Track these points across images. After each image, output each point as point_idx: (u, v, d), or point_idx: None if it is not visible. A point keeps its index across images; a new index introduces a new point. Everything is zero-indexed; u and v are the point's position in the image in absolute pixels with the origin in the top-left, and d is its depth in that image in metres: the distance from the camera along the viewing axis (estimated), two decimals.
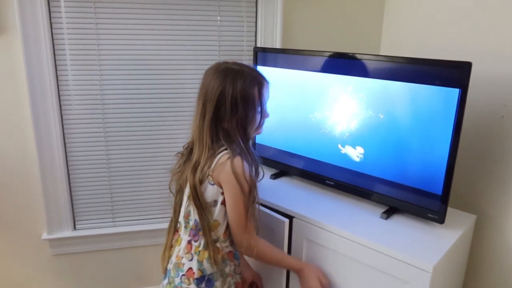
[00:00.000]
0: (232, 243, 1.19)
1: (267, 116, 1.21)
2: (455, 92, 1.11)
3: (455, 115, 1.12)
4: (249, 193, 1.11)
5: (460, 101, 1.10)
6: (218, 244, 1.16)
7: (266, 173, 1.62)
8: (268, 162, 1.65)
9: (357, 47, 1.87)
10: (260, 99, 1.15)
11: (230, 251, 1.20)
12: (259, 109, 1.16)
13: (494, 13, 1.35)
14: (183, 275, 1.15)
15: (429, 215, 1.22)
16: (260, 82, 1.16)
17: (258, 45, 1.80)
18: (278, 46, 1.79)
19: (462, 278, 1.44)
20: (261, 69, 1.58)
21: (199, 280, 1.14)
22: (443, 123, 1.14)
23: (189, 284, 1.14)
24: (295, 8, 1.80)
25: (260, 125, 1.20)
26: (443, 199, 1.19)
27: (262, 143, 1.65)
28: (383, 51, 1.89)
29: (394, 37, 1.82)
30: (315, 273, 1.21)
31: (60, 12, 1.62)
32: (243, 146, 1.14)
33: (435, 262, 1.05)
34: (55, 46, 1.65)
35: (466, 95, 1.09)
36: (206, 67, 1.18)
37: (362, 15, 1.87)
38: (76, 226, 1.86)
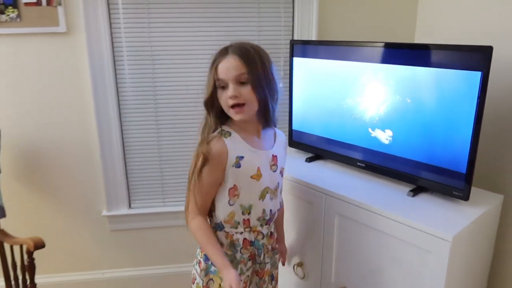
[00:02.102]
0: (246, 229, 1.23)
1: (229, 96, 1.11)
2: (477, 75, 1.18)
3: (478, 97, 1.19)
4: (194, 169, 1.15)
5: (482, 84, 1.18)
6: (226, 229, 1.22)
7: (301, 157, 1.76)
8: (303, 146, 1.77)
9: (391, 36, 1.94)
10: (215, 77, 1.13)
11: (245, 239, 1.24)
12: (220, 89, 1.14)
13: None
14: (199, 247, 1.27)
15: (454, 192, 1.30)
16: (214, 60, 1.14)
17: (295, 38, 1.93)
18: (314, 39, 1.91)
19: (490, 258, 1.49)
20: (297, 60, 1.71)
21: (206, 256, 1.23)
22: (466, 105, 1.22)
23: (201, 257, 1.26)
24: (330, 2, 1.90)
25: (224, 105, 1.14)
26: (467, 177, 1.26)
27: (298, 129, 1.78)
28: (417, 39, 1.96)
29: (429, 25, 1.88)
30: (229, 279, 1.09)
31: (118, 14, 1.83)
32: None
33: (455, 233, 1.14)
34: (114, 44, 1.86)
35: (488, 77, 1.16)
36: None
37: (395, 5, 1.94)
38: (131, 205, 2.08)
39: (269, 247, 1.32)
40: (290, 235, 1.61)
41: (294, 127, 1.80)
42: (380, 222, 1.30)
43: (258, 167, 1.19)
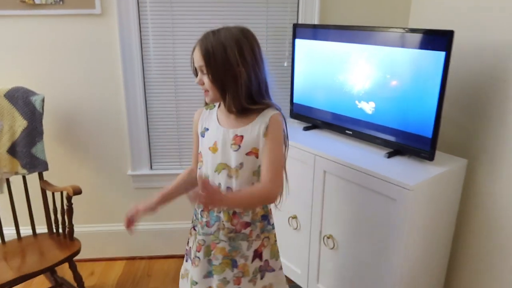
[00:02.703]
0: None
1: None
2: (441, 54, 1.42)
3: (442, 73, 1.43)
4: None
5: (445, 62, 1.41)
6: None
7: (300, 126, 2.02)
8: (302, 117, 2.03)
9: (387, 21, 2.16)
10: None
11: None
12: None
13: None
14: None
15: (422, 154, 1.55)
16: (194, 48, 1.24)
17: (299, 22, 2.17)
18: (316, 23, 2.15)
19: (455, 217, 1.72)
20: (299, 42, 1.96)
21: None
22: (433, 80, 1.46)
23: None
24: None
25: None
26: (433, 141, 1.51)
27: (298, 102, 2.04)
28: (411, 24, 2.17)
29: (422, 11, 2.09)
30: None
31: (145, 2, 2.11)
32: None
33: (416, 183, 1.39)
34: (141, 25, 2.14)
35: (449, 57, 1.40)
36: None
37: None
38: (152, 166, 2.39)
39: (225, 224, 1.30)
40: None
41: (295, 100, 2.06)
42: (359, 177, 1.56)
43: (215, 141, 1.28)
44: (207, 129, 1.33)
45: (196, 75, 1.25)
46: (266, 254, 1.37)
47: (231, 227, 1.31)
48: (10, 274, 1.73)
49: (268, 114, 1.24)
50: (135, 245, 2.52)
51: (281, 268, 1.43)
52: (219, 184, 1.29)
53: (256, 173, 1.27)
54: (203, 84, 1.24)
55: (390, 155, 1.64)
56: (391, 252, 1.50)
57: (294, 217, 1.91)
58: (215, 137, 1.29)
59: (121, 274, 2.40)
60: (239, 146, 1.25)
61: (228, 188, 1.28)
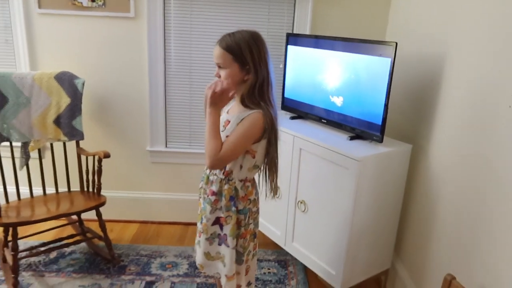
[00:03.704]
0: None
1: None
2: (388, 60, 1.86)
3: (389, 74, 1.87)
4: None
5: (392, 66, 1.86)
6: None
7: (286, 115, 2.48)
8: (289, 108, 2.50)
9: (367, 34, 2.59)
10: None
11: None
12: None
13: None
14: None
15: (374, 138, 2.00)
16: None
17: (294, 32, 2.64)
18: (308, 33, 2.62)
19: (402, 194, 2.14)
20: (290, 48, 2.43)
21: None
22: (382, 80, 1.90)
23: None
24: (321, 6, 2.60)
25: None
26: (382, 127, 1.95)
27: (287, 97, 2.50)
28: (387, 37, 2.61)
29: (396, 26, 2.53)
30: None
31: (170, 5, 2.62)
32: None
33: (363, 156, 1.84)
34: (165, 27, 2.65)
35: (394, 62, 1.85)
36: None
37: (370, 9, 2.61)
38: (167, 145, 2.88)
39: (208, 191, 1.60)
40: None
41: (286, 95, 2.53)
42: (325, 153, 2.01)
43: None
44: (222, 113, 1.58)
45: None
46: (226, 229, 1.60)
47: (207, 191, 1.61)
48: (50, 212, 2.23)
49: (252, 111, 1.47)
50: (147, 211, 3.01)
51: (234, 249, 1.61)
52: None
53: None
54: (219, 76, 1.50)
55: (352, 138, 2.09)
56: (344, 211, 1.94)
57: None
58: (221, 119, 1.56)
59: (134, 233, 2.89)
60: (224, 128, 1.53)
61: None
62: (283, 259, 2.62)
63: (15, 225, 2.11)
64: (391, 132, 2.26)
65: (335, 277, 2.05)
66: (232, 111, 1.59)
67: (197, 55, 2.71)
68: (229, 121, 1.54)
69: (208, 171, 1.63)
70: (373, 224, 2.05)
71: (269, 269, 2.51)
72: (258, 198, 1.69)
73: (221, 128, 1.54)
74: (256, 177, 1.68)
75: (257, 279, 2.40)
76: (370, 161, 1.89)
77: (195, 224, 2.89)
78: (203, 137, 1.50)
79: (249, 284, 1.76)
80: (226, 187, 1.57)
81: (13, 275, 2.13)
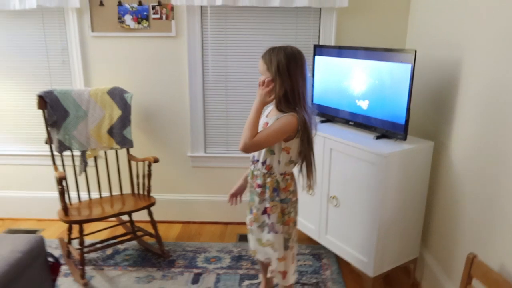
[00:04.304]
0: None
1: None
2: (409, 66, 2.08)
3: (410, 79, 2.09)
4: None
5: (412, 71, 2.07)
6: None
7: (317, 118, 2.71)
8: (318, 113, 2.72)
9: (387, 43, 2.81)
10: None
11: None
12: None
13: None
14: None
15: (398, 136, 2.20)
16: None
17: (320, 43, 2.88)
18: (333, 44, 2.85)
19: (426, 188, 2.33)
20: (318, 58, 2.66)
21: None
22: (404, 83, 2.12)
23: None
24: (344, 18, 2.84)
25: None
26: (405, 126, 2.15)
27: (316, 102, 2.73)
28: (407, 45, 2.82)
29: (415, 34, 2.73)
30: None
31: (207, 26, 2.90)
32: None
33: (389, 152, 2.05)
34: (203, 44, 2.93)
35: (414, 67, 2.06)
36: None
37: (391, 19, 2.83)
38: (206, 150, 3.15)
39: (254, 184, 1.88)
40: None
41: (315, 101, 2.76)
42: (354, 152, 2.23)
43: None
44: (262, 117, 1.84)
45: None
46: (272, 218, 1.86)
47: (254, 185, 1.90)
48: (109, 212, 2.52)
49: (287, 114, 1.73)
50: (189, 212, 3.27)
51: (282, 234, 1.88)
52: (253, 155, 1.89)
53: (269, 151, 1.80)
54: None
55: (378, 137, 2.30)
56: (374, 204, 2.14)
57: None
58: (261, 121, 1.81)
59: (179, 232, 3.15)
60: (263, 129, 1.78)
61: (254, 156, 1.88)
62: (317, 252, 2.83)
63: (81, 222, 2.41)
64: (413, 131, 2.45)
65: (367, 264, 2.25)
66: (270, 115, 1.85)
67: (232, 67, 2.98)
68: (267, 123, 1.79)
69: (253, 167, 1.89)
70: (400, 215, 2.24)
71: (304, 261, 2.73)
72: (296, 189, 1.94)
73: (260, 128, 1.79)
74: (295, 172, 1.91)
75: None
76: (396, 157, 2.10)
77: (233, 223, 3.17)
78: (239, 142, 1.75)
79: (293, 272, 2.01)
80: (269, 180, 1.84)
81: (80, 267, 2.42)
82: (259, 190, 1.88)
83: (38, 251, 1.88)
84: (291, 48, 1.76)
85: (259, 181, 1.87)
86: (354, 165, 2.24)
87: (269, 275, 2.06)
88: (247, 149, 1.73)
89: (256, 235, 1.97)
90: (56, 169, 2.53)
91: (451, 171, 2.16)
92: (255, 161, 1.89)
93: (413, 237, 2.38)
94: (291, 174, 1.90)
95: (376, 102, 2.31)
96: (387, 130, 2.27)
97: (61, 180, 2.36)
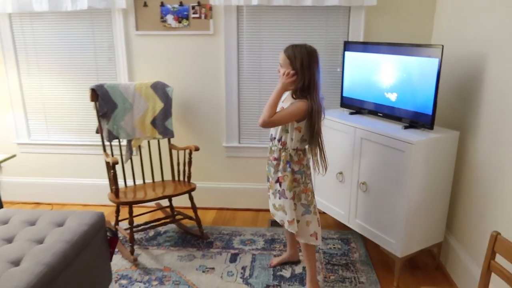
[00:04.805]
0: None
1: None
2: (436, 60, 2.23)
3: (437, 72, 2.24)
4: None
5: (439, 65, 2.22)
6: None
7: (345, 111, 2.88)
8: (348, 106, 2.89)
9: (414, 38, 2.95)
10: None
11: None
12: None
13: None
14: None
15: (426, 125, 2.36)
16: None
17: (349, 40, 3.05)
18: (361, 40, 3.01)
19: (451, 176, 2.47)
20: (347, 53, 2.83)
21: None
22: (432, 76, 2.27)
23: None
24: (372, 15, 2.99)
25: None
26: (432, 116, 2.31)
27: (346, 95, 2.90)
28: (433, 41, 2.95)
29: (441, 30, 2.87)
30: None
31: (242, 24, 3.10)
32: None
33: (417, 140, 2.21)
34: (239, 41, 3.14)
35: (441, 62, 2.21)
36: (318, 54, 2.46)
37: (417, 15, 2.97)
38: (240, 141, 3.36)
39: (271, 157, 2.25)
40: (335, 154, 2.74)
41: (344, 94, 2.93)
42: (383, 140, 2.39)
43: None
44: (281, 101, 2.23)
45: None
46: (283, 186, 2.22)
47: (271, 158, 2.26)
48: (152, 195, 2.75)
49: (298, 100, 2.10)
50: (223, 199, 3.49)
51: (292, 199, 2.21)
52: (271, 134, 2.26)
53: (283, 130, 2.16)
54: (279, 72, 2.16)
55: (406, 127, 2.45)
56: (402, 189, 2.30)
57: (341, 173, 2.76)
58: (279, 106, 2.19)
59: (214, 218, 3.37)
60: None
61: (272, 134, 2.26)
62: (345, 237, 3.00)
63: (131, 204, 2.65)
64: (440, 121, 2.59)
65: (395, 245, 2.41)
66: (286, 100, 2.20)
67: (266, 63, 3.17)
68: (283, 107, 2.15)
69: (271, 143, 2.27)
70: (426, 200, 2.39)
71: (334, 245, 2.90)
72: (309, 164, 2.27)
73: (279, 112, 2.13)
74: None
75: (324, 252, 2.81)
76: (423, 144, 2.26)
77: (265, 210, 3.38)
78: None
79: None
80: (283, 154, 2.21)
81: (130, 244, 2.66)
82: (274, 162, 2.24)
83: (100, 225, 2.12)
84: (309, 46, 2.10)
85: (275, 155, 2.23)
86: (384, 153, 2.41)
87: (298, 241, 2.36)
88: (265, 125, 2.10)
89: (271, 201, 2.34)
90: (107, 155, 2.78)
91: (476, 160, 2.30)
92: (272, 139, 2.26)
93: (438, 222, 2.52)
94: (303, 151, 2.23)
95: (404, 94, 2.47)
96: (415, 121, 2.42)
97: (114, 165, 2.60)
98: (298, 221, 2.27)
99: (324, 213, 3.04)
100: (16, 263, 1.71)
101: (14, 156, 3.10)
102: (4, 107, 3.44)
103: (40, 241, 1.89)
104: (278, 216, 2.32)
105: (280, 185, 2.24)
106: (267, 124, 2.11)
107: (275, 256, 2.75)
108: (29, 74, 3.38)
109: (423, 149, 2.26)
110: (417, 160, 2.25)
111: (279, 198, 2.27)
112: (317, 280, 2.40)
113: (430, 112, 2.32)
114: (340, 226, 3.09)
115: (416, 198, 2.33)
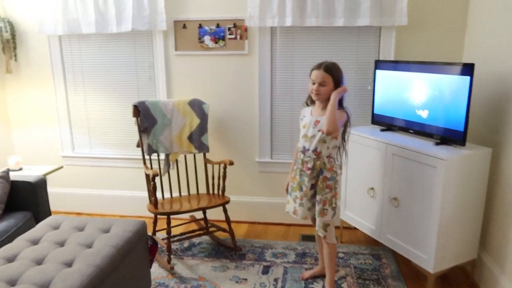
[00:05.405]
0: (299, 152, 2.45)
1: (314, 89, 2.29)
2: (467, 78, 2.28)
3: (469, 90, 2.29)
4: None
5: (470, 83, 2.27)
6: None
7: (376, 128, 2.94)
8: (379, 122, 2.95)
9: (445, 57, 3.00)
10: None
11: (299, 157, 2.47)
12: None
13: None
14: None
15: (457, 142, 2.39)
16: (312, 69, 2.32)
17: (380, 58, 3.13)
18: (392, 59, 3.09)
19: (484, 193, 2.48)
20: (378, 72, 2.91)
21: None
22: (463, 94, 2.32)
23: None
24: (403, 35, 3.07)
25: (311, 92, 2.34)
26: (464, 133, 2.34)
27: (377, 112, 2.97)
28: (464, 59, 3.00)
29: (472, 48, 2.92)
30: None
31: (276, 45, 3.24)
32: None
33: (449, 156, 2.25)
34: (272, 61, 3.27)
35: (472, 79, 2.26)
36: (348, 72, 2.56)
37: (448, 34, 3.02)
38: (273, 156, 3.46)
39: (305, 168, 2.38)
40: (366, 170, 2.80)
41: (375, 111, 2.99)
42: (415, 156, 2.44)
43: (306, 123, 2.38)
44: (304, 116, 2.43)
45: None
46: (318, 192, 2.38)
47: (307, 171, 2.39)
48: (188, 206, 2.87)
49: (338, 110, 2.28)
50: (255, 213, 3.58)
51: (325, 204, 2.40)
52: (304, 146, 2.39)
53: (321, 140, 2.31)
54: (319, 90, 2.29)
55: (437, 144, 2.50)
56: (433, 205, 2.33)
57: (372, 188, 2.80)
58: (306, 121, 2.39)
59: (246, 231, 3.46)
60: (316, 126, 2.33)
61: (304, 147, 2.38)
62: (376, 253, 3.02)
63: (169, 214, 2.78)
64: (472, 138, 2.62)
65: (427, 261, 2.42)
66: (315, 114, 2.37)
67: (298, 81, 3.29)
68: (319, 121, 2.31)
69: (302, 155, 2.41)
70: (459, 216, 2.41)
71: (364, 260, 2.93)
72: (337, 169, 2.45)
73: (312, 125, 2.34)
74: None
75: (354, 267, 2.84)
76: (455, 160, 2.29)
77: (296, 225, 3.43)
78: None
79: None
80: (318, 162, 2.36)
81: (167, 253, 2.78)
82: (308, 172, 2.38)
83: (142, 232, 2.25)
84: (335, 62, 2.34)
85: (309, 165, 2.37)
86: (415, 168, 2.45)
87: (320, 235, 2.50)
88: (331, 132, 2.24)
89: (306, 206, 2.46)
90: (147, 168, 2.93)
91: (510, 176, 2.31)
92: (306, 150, 2.39)
93: (471, 238, 2.52)
94: (333, 157, 2.40)
95: (435, 111, 2.52)
96: (446, 137, 2.46)
97: (154, 177, 2.75)
98: (328, 225, 2.42)
99: (355, 228, 3.07)
100: (69, 264, 1.85)
101: (61, 167, 3.31)
102: (52, 122, 3.68)
103: (89, 245, 2.03)
104: (312, 219, 2.50)
105: (315, 192, 2.39)
106: (333, 132, 2.25)
107: (306, 269, 2.80)
108: (75, 91, 3.62)
109: (455, 165, 2.30)
110: (449, 176, 2.28)
111: (315, 204, 2.42)
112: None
113: (462, 128, 2.36)
114: (370, 242, 3.11)
115: (448, 214, 2.35)
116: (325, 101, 2.30)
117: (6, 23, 3.42)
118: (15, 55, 3.55)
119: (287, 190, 2.61)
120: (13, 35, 3.48)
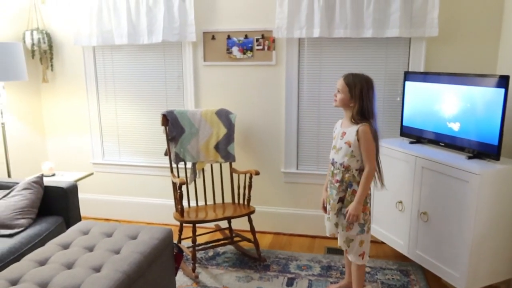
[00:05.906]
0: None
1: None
2: (502, 90, 2.21)
3: (503, 102, 2.22)
4: None
5: (505, 95, 2.20)
6: None
7: (405, 140, 2.88)
8: (408, 135, 2.89)
9: (478, 68, 2.92)
10: None
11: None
12: None
13: None
14: None
15: (491, 156, 2.31)
16: None
17: (409, 70, 3.08)
18: (422, 70, 3.03)
19: None
20: (408, 83, 2.87)
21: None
22: (497, 107, 2.25)
23: None
24: (434, 46, 3.01)
25: None
26: (498, 147, 2.27)
27: (406, 125, 2.91)
28: (498, 71, 2.91)
29: (507, 60, 2.84)
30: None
31: (303, 56, 3.25)
32: None
33: (483, 170, 2.17)
34: (299, 72, 3.28)
35: (507, 91, 2.19)
36: (377, 83, 2.50)
37: (482, 45, 2.94)
38: (298, 167, 3.44)
39: (333, 180, 2.34)
40: (395, 183, 2.74)
41: (404, 123, 2.94)
42: (446, 169, 2.38)
43: (336, 134, 2.38)
44: (336, 128, 2.43)
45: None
46: (346, 204, 2.32)
47: (336, 184, 2.34)
48: (213, 215, 2.88)
49: (360, 125, 2.24)
50: (280, 224, 3.55)
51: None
52: (333, 158, 2.38)
53: (348, 154, 2.27)
54: (335, 96, 2.32)
55: (469, 157, 2.42)
56: (465, 221, 2.26)
57: (400, 202, 2.74)
58: (336, 132, 2.40)
59: (270, 242, 3.44)
60: (342, 137, 2.31)
61: (333, 159, 2.37)
62: (405, 269, 2.94)
63: (195, 223, 2.80)
64: (507, 152, 2.53)
65: (459, 279, 2.34)
66: (344, 125, 2.36)
67: (325, 92, 3.27)
68: (345, 132, 2.31)
69: (332, 168, 2.39)
70: (492, 233, 2.32)
71: (392, 276, 2.85)
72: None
73: (340, 137, 2.33)
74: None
75: (382, 282, 2.77)
76: (489, 175, 2.22)
77: (321, 237, 3.39)
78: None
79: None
80: (347, 175, 2.31)
81: (192, 261, 2.79)
82: (337, 184, 2.33)
83: (168, 240, 2.28)
84: (366, 75, 2.29)
85: (338, 177, 2.33)
86: (446, 183, 2.38)
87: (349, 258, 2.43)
88: (372, 172, 2.27)
89: (333, 220, 2.39)
90: (174, 176, 2.97)
91: None
92: (334, 163, 2.37)
93: (507, 257, 2.42)
94: (363, 170, 2.30)
95: (467, 124, 2.45)
96: (479, 151, 2.39)
97: (181, 186, 2.78)
98: (352, 240, 2.33)
99: (382, 243, 3.01)
100: (97, 269, 1.89)
101: (91, 174, 3.40)
102: (84, 130, 3.80)
103: (117, 251, 2.06)
104: (337, 233, 2.41)
105: (343, 204, 2.34)
106: (373, 172, 2.27)
107: (331, 283, 2.76)
108: (107, 100, 3.72)
109: (488, 180, 2.22)
110: (482, 192, 2.21)
111: (344, 218, 2.34)
112: None
113: (496, 142, 2.28)
114: (398, 257, 3.03)
115: (480, 231, 2.27)
116: (348, 111, 2.31)
117: (44, 35, 3.57)
118: (52, 65, 3.69)
119: (323, 208, 2.51)
120: (50, 46, 3.63)
